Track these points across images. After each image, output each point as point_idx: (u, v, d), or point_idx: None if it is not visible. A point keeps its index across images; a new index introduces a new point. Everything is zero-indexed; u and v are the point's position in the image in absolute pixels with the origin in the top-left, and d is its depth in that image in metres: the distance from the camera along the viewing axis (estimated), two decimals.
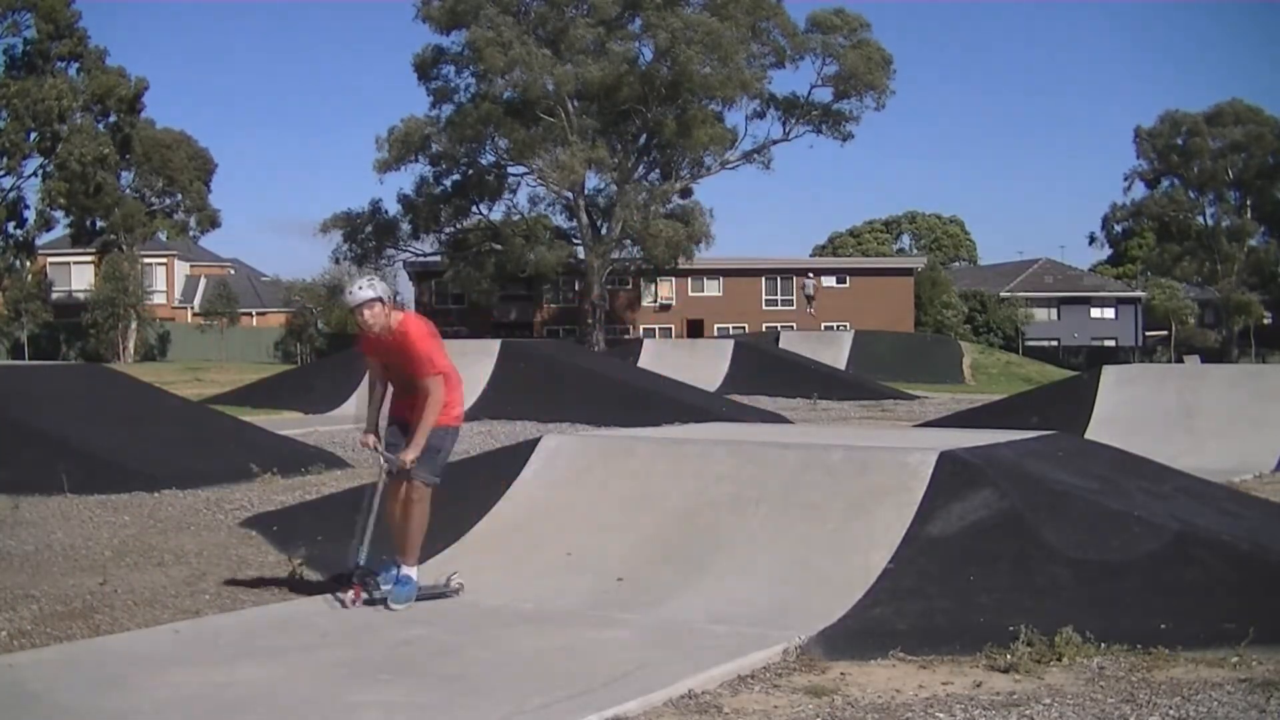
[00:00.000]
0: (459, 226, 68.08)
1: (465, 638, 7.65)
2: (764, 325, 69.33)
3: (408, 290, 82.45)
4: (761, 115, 67.01)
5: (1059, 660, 7.02)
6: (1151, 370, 27.54)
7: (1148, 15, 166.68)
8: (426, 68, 64.88)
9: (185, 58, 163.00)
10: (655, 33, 60.36)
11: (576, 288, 71.71)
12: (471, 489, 10.71)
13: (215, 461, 15.16)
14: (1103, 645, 7.18)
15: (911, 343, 58.65)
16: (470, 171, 66.55)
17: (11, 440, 14.71)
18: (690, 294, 77.90)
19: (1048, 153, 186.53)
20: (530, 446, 11.09)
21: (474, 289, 66.94)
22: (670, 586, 8.59)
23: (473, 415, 23.88)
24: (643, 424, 15.06)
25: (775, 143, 67.19)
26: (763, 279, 79.58)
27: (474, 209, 68.09)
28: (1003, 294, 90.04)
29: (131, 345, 64.60)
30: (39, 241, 69.05)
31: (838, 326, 67.76)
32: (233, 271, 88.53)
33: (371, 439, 8.83)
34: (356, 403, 8.85)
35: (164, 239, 78.29)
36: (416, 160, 65.21)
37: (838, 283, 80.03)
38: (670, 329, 75.55)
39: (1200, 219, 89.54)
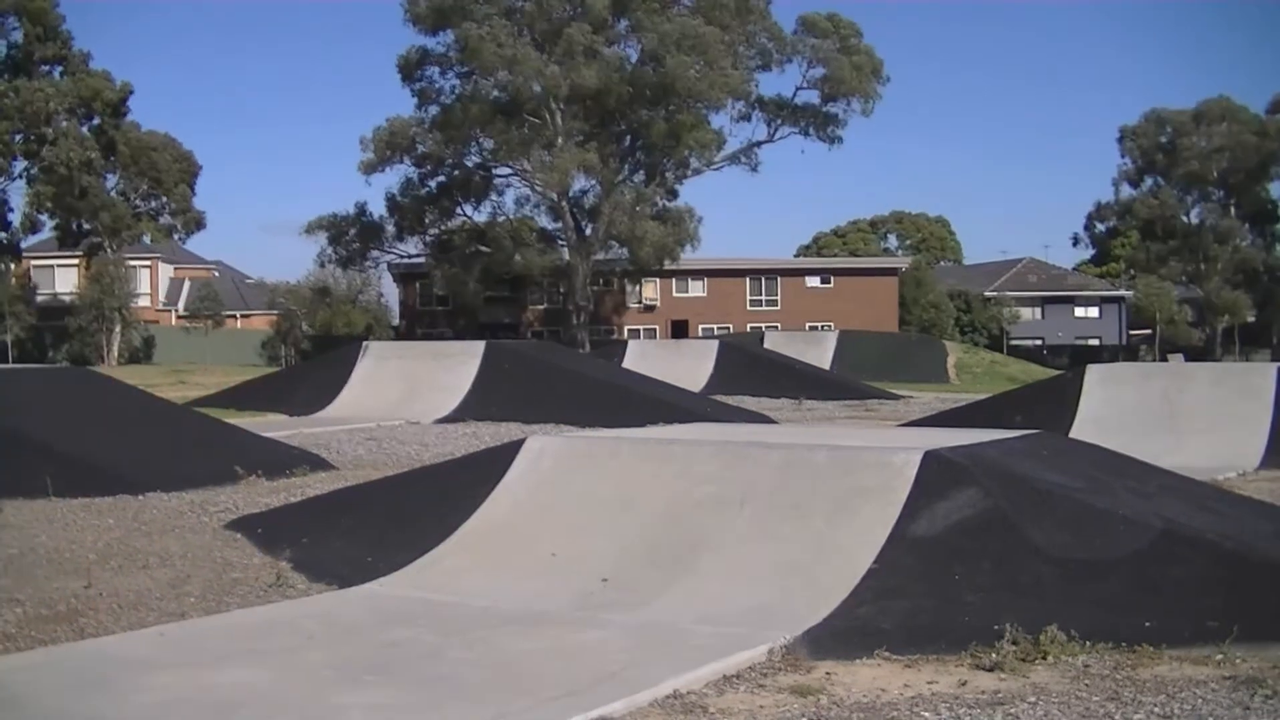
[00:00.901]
0: (444, 228, 68.03)
1: (450, 639, 7.64)
2: (749, 325, 69.40)
3: (392, 292, 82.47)
4: (747, 118, 67.06)
5: (1044, 659, 7.03)
6: (1135, 369, 27.63)
7: (1132, 13, 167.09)
8: (411, 69, 64.80)
9: (169, 59, 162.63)
10: (643, 35, 60.36)
11: (561, 289, 71.66)
12: (456, 490, 10.72)
13: (200, 464, 15.12)
14: (1088, 643, 7.19)
15: (896, 343, 58.78)
16: (456, 173, 66.50)
17: None
18: (675, 295, 77.89)
19: (1032, 152, 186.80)
20: (515, 448, 11.09)
21: (460, 291, 66.87)
22: (655, 587, 8.59)
23: (458, 417, 23.96)
24: (627, 425, 15.07)
25: (760, 144, 67.25)
26: (747, 279, 79.60)
27: (459, 210, 68.05)
28: (987, 293, 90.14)
29: (116, 348, 64.41)
30: (24, 244, 68.91)
31: (822, 326, 67.84)
32: (217, 274, 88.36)
33: None
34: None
35: (148, 241, 78.11)
36: (402, 161, 65.16)
37: (822, 283, 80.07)
38: (655, 330, 75.56)
39: (1185, 218, 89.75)
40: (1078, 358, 74.01)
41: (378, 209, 67.81)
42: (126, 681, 6.65)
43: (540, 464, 10.71)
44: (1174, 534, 8.41)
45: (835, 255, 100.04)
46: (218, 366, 51.99)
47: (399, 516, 10.72)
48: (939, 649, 7.29)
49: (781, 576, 8.50)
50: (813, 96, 65.54)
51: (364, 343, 31.67)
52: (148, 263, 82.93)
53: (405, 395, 25.58)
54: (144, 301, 79.01)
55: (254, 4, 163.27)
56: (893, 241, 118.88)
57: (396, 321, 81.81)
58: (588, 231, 64.93)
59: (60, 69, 63.34)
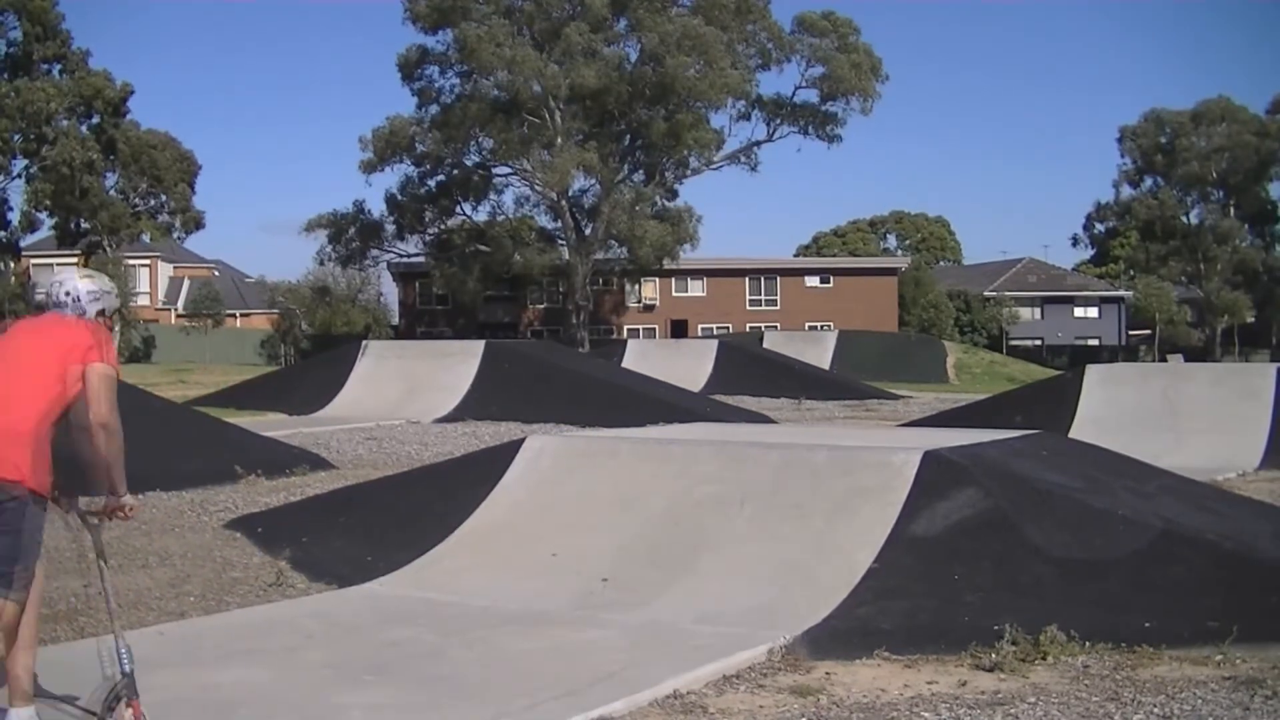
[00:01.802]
0: (444, 227, 68.00)
1: (450, 638, 7.64)
2: (748, 325, 69.39)
3: (392, 292, 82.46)
4: (746, 117, 67.04)
5: (1044, 659, 7.04)
6: (1135, 369, 27.64)
7: (1132, 13, 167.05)
8: (411, 68, 64.77)
9: (169, 59, 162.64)
10: (643, 35, 60.34)
11: (561, 289, 71.64)
12: (456, 490, 10.72)
13: (199, 463, 15.12)
14: (1087, 644, 7.19)
15: (896, 342, 58.77)
16: (456, 172, 66.47)
17: None
18: (674, 294, 77.86)
19: (1032, 152, 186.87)
20: (515, 447, 11.09)
21: (460, 290, 66.85)
22: (655, 587, 8.59)
23: (458, 416, 23.96)
24: (627, 424, 15.07)
25: (760, 144, 67.22)
26: (746, 279, 79.56)
27: (459, 210, 68.02)
28: (987, 293, 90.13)
29: (115, 347, 64.37)
30: (23, 243, 68.92)
31: (822, 326, 67.84)
32: (217, 273, 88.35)
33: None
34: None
35: (148, 240, 78.11)
36: (402, 160, 65.14)
37: (822, 283, 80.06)
38: (654, 329, 75.53)
39: (1185, 218, 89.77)
40: (1077, 358, 74.03)
41: (377, 208, 67.83)
42: None
43: (540, 464, 10.71)
44: (1173, 534, 8.42)
45: (835, 255, 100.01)
46: (217, 366, 52.01)
47: (399, 516, 10.72)
48: (939, 649, 7.29)
49: (781, 576, 8.50)
50: (812, 95, 65.54)
51: (363, 342, 31.66)
52: (147, 262, 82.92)
53: (405, 395, 25.57)
54: (143, 301, 79.02)
55: (254, 3, 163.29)
56: (892, 241, 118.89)
57: (396, 321, 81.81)
58: (587, 231, 64.92)
59: (60, 68, 63.36)
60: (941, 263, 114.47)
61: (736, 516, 9.22)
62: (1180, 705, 6.20)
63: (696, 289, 78.70)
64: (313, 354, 61.11)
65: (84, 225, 65.66)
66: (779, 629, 7.60)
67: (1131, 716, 6.09)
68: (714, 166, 67.25)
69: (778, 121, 66.59)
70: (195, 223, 72.96)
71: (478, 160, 66.47)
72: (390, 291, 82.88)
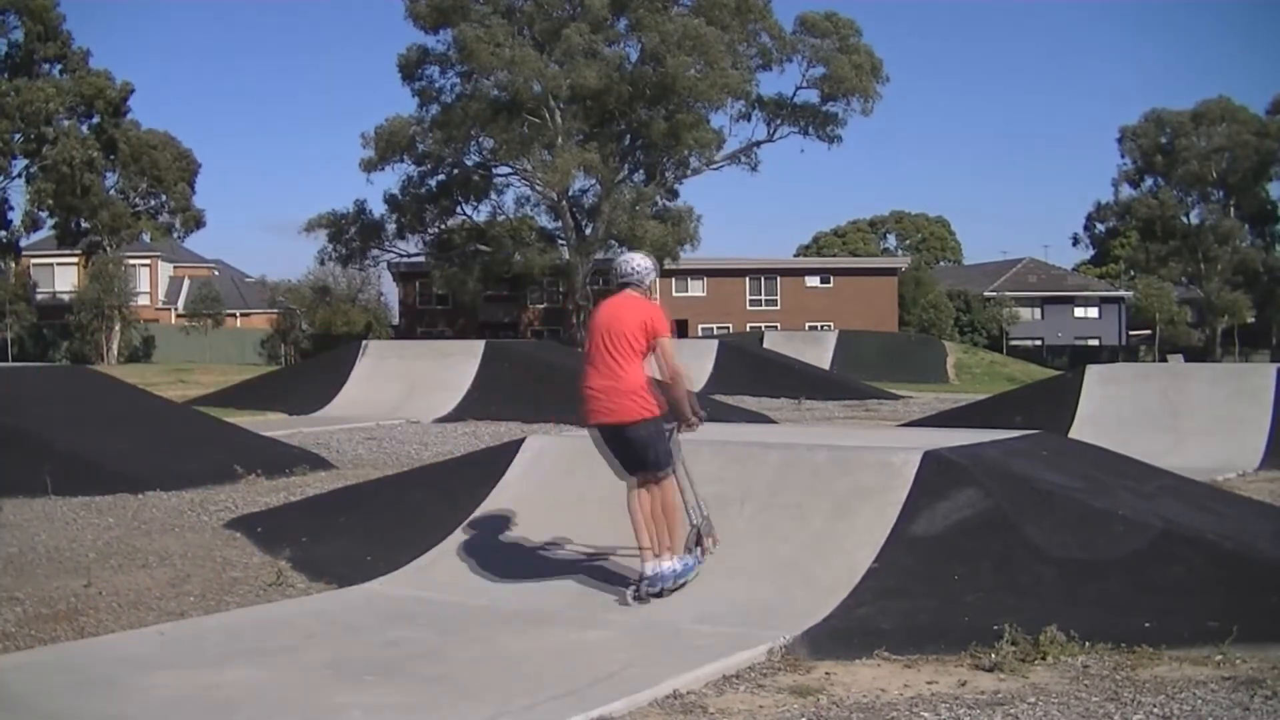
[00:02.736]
0: (444, 227, 67.97)
1: (450, 638, 7.65)
2: (748, 325, 69.41)
3: (392, 291, 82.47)
4: (747, 117, 67.01)
5: (1043, 659, 7.03)
6: (1135, 369, 27.60)
7: (1132, 14, 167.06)
8: (411, 68, 64.75)
9: (169, 58, 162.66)
10: (643, 35, 60.33)
11: (561, 289, 71.64)
12: (456, 490, 10.72)
13: (199, 463, 15.12)
14: (1087, 644, 7.19)
15: (896, 342, 58.75)
16: (456, 171, 66.46)
17: None
18: (674, 294, 77.87)
19: (1032, 152, 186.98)
20: (515, 447, 11.10)
21: (460, 290, 66.83)
22: None
23: (458, 416, 23.97)
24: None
25: (760, 144, 67.19)
26: (746, 279, 79.61)
27: (459, 209, 68.01)
28: (987, 293, 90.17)
29: (116, 347, 64.40)
30: (23, 243, 68.91)
31: (822, 326, 67.84)
32: (217, 273, 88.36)
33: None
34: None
35: (148, 240, 78.08)
36: (402, 160, 65.11)
37: (822, 283, 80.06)
38: None
39: (1185, 218, 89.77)
40: (1077, 358, 74.08)
41: (378, 208, 67.80)
42: (127, 681, 6.65)
43: (540, 463, 10.71)
44: (1173, 534, 8.41)
45: (835, 255, 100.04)
46: (217, 365, 52.00)
47: (399, 516, 10.72)
48: (939, 649, 7.29)
49: (781, 576, 8.50)
50: (812, 96, 65.49)
51: (363, 342, 31.65)
52: (147, 261, 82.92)
53: (405, 394, 25.57)
54: (143, 300, 79.00)
55: (254, 3, 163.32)
56: (892, 241, 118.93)
57: (396, 320, 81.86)
58: (588, 231, 64.92)
59: (60, 68, 63.37)
60: (941, 263, 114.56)
61: (737, 516, 9.22)
62: (1180, 705, 6.20)
63: (696, 289, 78.76)
64: (313, 354, 61.16)
65: (84, 225, 65.64)
66: (779, 629, 7.60)
67: (1131, 716, 6.09)
68: (714, 166, 67.24)
69: (778, 122, 66.56)
70: (195, 222, 72.89)
71: (478, 160, 66.47)
72: (390, 291, 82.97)
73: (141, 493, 13.65)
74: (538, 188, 64.03)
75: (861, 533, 8.72)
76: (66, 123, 61.45)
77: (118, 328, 64.79)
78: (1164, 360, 68.98)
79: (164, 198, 70.08)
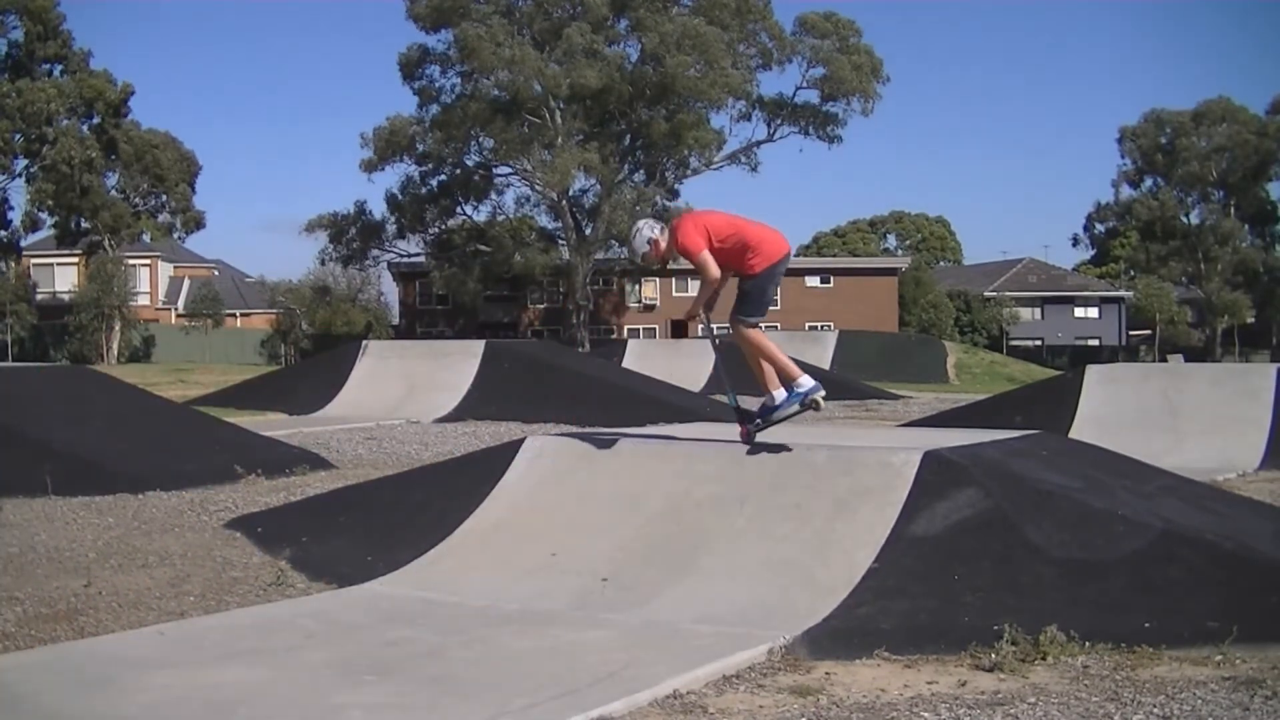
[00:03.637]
0: (444, 227, 68.01)
1: (450, 638, 7.64)
2: None
3: (392, 291, 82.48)
4: (747, 117, 67.04)
5: (1044, 659, 7.03)
6: (1135, 369, 27.57)
7: (1132, 13, 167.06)
8: (412, 67, 64.79)
9: (169, 58, 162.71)
10: (643, 35, 60.34)
11: (561, 289, 71.66)
12: (456, 490, 10.71)
13: (199, 463, 15.11)
14: (1087, 644, 7.19)
15: (896, 342, 58.73)
16: (456, 171, 66.50)
17: None
18: (674, 294, 77.88)
19: (1032, 152, 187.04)
20: (514, 447, 11.08)
21: (460, 290, 66.84)
22: (655, 586, 8.59)
23: (458, 416, 23.96)
24: (627, 424, 15.04)
25: (760, 144, 67.23)
26: None
27: (459, 209, 68.04)
28: (987, 294, 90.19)
29: (116, 347, 64.43)
30: (23, 243, 68.94)
31: (822, 326, 67.82)
32: (217, 273, 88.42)
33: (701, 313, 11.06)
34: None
35: (148, 240, 78.11)
36: (402, 160, 65.22)
37: (822, 283, 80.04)
38: (654, 329, 75.56)
39: (1185, 219, 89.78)
40: (1077, 358, 74.11)
41: (378, 208, 67.85)
42: (127, 681, 6.65)
43: (540, 463, 10.70)
44: (1173, 534, 8.41)
45: (835, 255, 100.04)
46: (217, 365, 52.05)
47: (399, 516, 10.71)
48: (939, 649, 7.28)
49: (781, 576, 8.49)
50: (812, 96, 65.61)
51: (364, 342, 31.63)
52: (147, 261, 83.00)
53: (405, 394, 25.56)
54: (143, 300, 79.07)
55: (255, 3, 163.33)
56: (892, 241, 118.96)
57: (396, 320, 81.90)
58: (588, 231, 64.96)
59: (60, 68, 63.42)
60: (941, 263, 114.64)
61: (736, 516, 9.22)
62: (1180, 705, 6.19)
63: (696, 289, 78.61)
64: (313, 354, 61.16)
65: (85, 225, 65.67)
66: (779, 629, 7.59)
67: (1131, 716, 6.09)
68: (714, 166, 67.35)
69: (778, 122, 66.64)
70: (196, 222, 73.01)
71: (478, 160, 66.56)
72: (390, 291, 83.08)
73: (141, 493, 13.64)
74: (538, 188, 64.10)
75: (861, 533, 8.71)
76: (66, 123, 61.48)
77: (118, 328, 64.83)
78: (1164, 360, 68.99)
79: (164, 198, 70.18)
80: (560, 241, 66.53)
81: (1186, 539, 8.41)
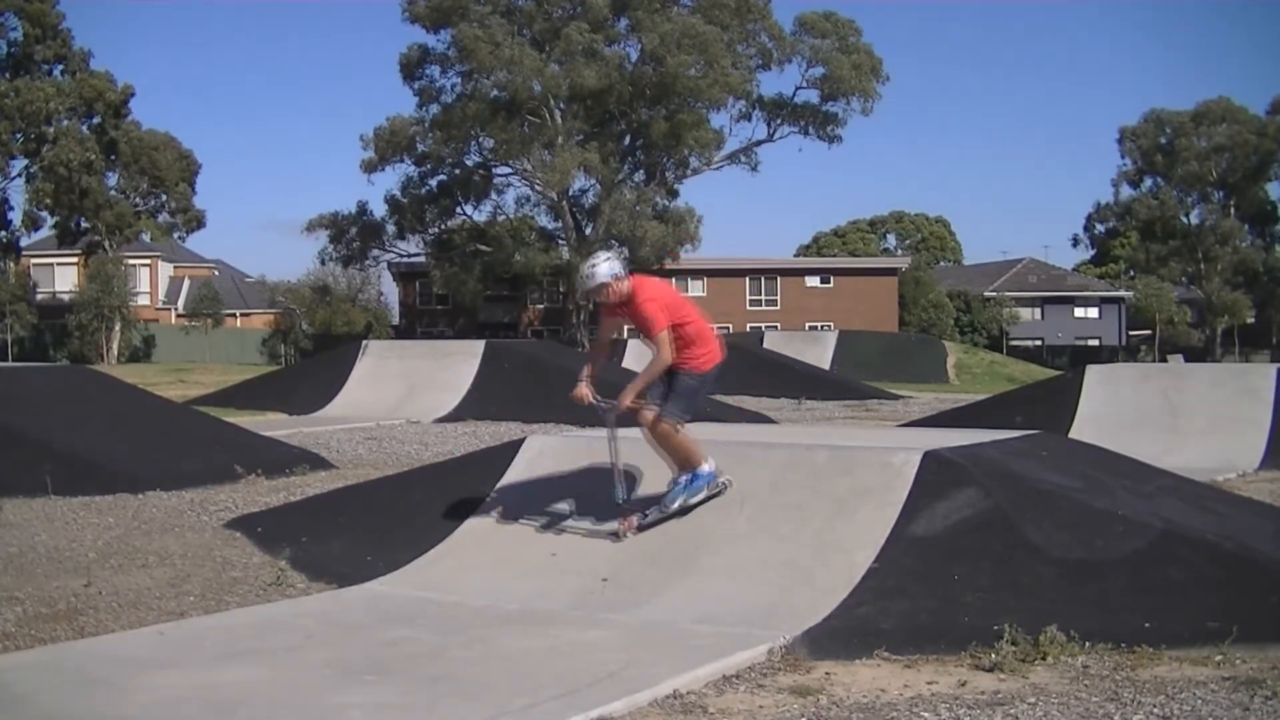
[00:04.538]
0: (444, 227, 68.00)
1: (450, 638, 7.64)
2: (748, 325, 69.38)
3: (392, 291, 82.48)
4: (747, 117, 67.01)
5: (1044, 659, 7.03)
6: (1135, 369, 27.57)
7: (1132, 13, 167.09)
8: (412, 67, 64.78)
9: (169, 58, 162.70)
10: (643, 35, 60.33)
11: (561, 289, 71.65)
12: (457, 490, 10.71)
13: (199, 463, 15.11)
14: (1087, 644, 7.18)
15: (896, 343, 58.74)
16: (456, 172, 66.48)
17: None
18: None
19: (1032, 152, 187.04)
20: (514, 447, 11.10)
21: (460, 290, 66.84)
22: (655, 586, 8.59)
23: (458, 416, 23.96)
24: (627, 424, 15.03)
25: (760, 144, 67.21)
26: (746, 279, 79.64)
27: (459, 209, 68.03)
28: (987, 294, 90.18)
29: (116, 347, 64.41)
30: (23, 243, 68.95)
31: (822, 326, 67.86)
32: (217, 273, 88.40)
33: (585, 390, 9.86)
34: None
35: (148, 240, 78.11)
36: (403, 160, 65.18)
37: (822, 283, 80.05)
38: None
39: (1185, 219, 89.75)
40: (1077, 358, 74.10)
41: (378, 208, 67.82)
42: (127, 681, 6.65)
43: (540, 463, 10.71)
44: (1174, 534, 8.41)
45: (835, 255, 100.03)
46: (217, 365, 52.06)
47: (399, 516, 10.72)
48: (939, 649, 7.28)
49: (781, 576, 8.49)
50: (812, 96, 65.54)
51: (364, 341, 31.64)
52: (147, 261, 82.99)
53: (405, 394, 25.56)
54: (143, 300, 79.06)
55: (255, 3, 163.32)
56: (892, 241, 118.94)
57: (396, 320, 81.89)
58: (588, 231, 64.92)
59: (60, 68, 63.43)
60: (941, 263, 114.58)
61: (737, 516, 9.22)
62: (1180, 705, 6.19)
63: (696, 289, 78.73)
64: (313, 354, 61.17)
65: (85, 225, 65.68)
66: (779, 629, 7.59)
67: (1131, 717, 6.09)
68: (714, 166, 67.27)
69: (778, 121, 66.60)
70: (196, 222, 72.90)
71: (478, 160, 66.51)
72: (390, 291, 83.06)
73: (141, 493, 13.64)
74: (538, 188, 64.07)
75: (861, 533, 8.71)
76: (66, 123, 61.49)
77: (118, 328, 64.79)
78: (1164, 360, 68.98)
79: (165, 198, 70.12)
80: (560, 241, 66.50)
81: (1186, 539, 8.41)
